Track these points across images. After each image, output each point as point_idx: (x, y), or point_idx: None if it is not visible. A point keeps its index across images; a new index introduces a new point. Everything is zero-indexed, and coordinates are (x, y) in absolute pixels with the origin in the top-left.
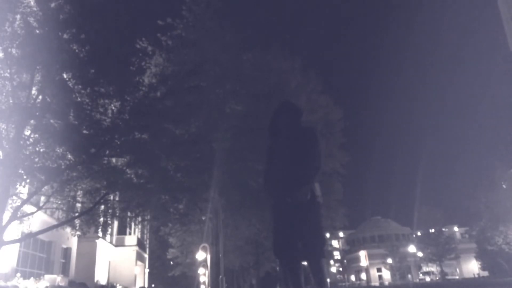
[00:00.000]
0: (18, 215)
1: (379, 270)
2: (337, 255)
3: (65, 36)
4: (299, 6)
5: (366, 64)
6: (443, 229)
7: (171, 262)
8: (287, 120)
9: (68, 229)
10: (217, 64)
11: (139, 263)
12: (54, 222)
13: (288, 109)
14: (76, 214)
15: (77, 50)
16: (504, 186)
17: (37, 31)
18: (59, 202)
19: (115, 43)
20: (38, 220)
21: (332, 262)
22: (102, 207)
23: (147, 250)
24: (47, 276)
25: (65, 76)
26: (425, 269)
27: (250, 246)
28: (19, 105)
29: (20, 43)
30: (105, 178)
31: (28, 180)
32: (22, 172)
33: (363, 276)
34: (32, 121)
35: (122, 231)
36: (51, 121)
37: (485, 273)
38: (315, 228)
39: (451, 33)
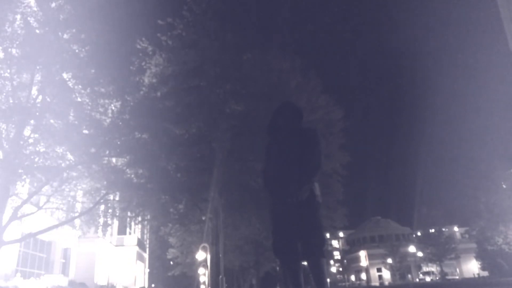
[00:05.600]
0: (18, 215)
1: (379, 270)
2: (337, 255)
3: (65, 36)
4: (299, 6)
5: (366, 64)
6: (443, 229)
7: (171, 262)
8: (288, 121)
9: (68, 229)
10: (217, 64)
11: (139, 263)
12: (54, 222)
13: (289, 110)
14: (76, 214)
15: (77, 50)
16: (504, 186)
17: (37, 31)
18: (59, 202)
19: (115, 43)
20: (38, 220)
21: (332, 262)
22: (102, 207)
23: (147, 250)
24: (47, 276)
25: (65, 76)
26: (425, 269)
27: (250, 246)
28: (19, 105)
29: (20, 43)
30: (105, 178)
31: (28, 180)
32: (22, 172)
33: (363, 276)
34: (32, 121)
35: (122, 231)
36: (51, 121)
37: (485, 273)
38: (314, 227)
39: (451, 32)
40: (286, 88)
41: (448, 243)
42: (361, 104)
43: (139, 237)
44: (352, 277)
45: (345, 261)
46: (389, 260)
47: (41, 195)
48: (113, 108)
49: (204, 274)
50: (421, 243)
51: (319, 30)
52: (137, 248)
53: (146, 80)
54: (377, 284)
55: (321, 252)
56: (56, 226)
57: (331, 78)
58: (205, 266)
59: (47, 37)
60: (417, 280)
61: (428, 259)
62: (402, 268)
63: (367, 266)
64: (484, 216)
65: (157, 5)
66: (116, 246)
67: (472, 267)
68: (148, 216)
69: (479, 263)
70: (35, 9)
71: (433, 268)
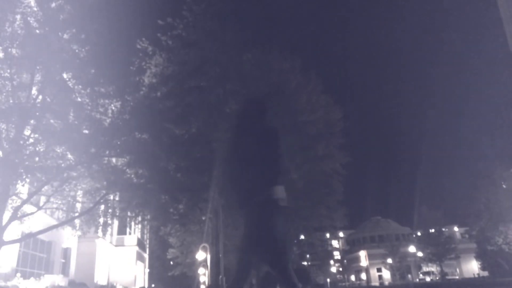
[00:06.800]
0: (18, 215)
1: (379, 270)
2: (337, 255)
3: (65, 36)
4: (300, 6)
5: (366, 64)
6: (443, 229)
7: (171, 262)
8: (248, 121)
9: (68, 229)
10: (217, 64)
11: (139, 263)
12: (54, 222)
13: (249, 109)
14: (76, 214)
15: (77, 50)
16: (504, 186)
17: (37, 31)
18: (59, 202)
19: (115, 43)
20: (38, 220)
21: (332, 262)
22: (102, 207)
23: (147, 250)
24: (47, 276)
25: (65, 76)
26: (425, 269)
27: None
28: (19, 105)
29: (20, 43)
30: (105, 178)
31: (28, 180)
32: (22, 172)
33: (363, 276)
34: (32, 121)
35: (122, 231)
36: (51, 121)
37: (485, 273)
38: (275, 234)
39: (451, 33)
40: (286, 88)
41: (448, 243)
42: (361, 104)
43: (139, 237)
44: (352, 277)
45: (345, 261)
46: (389, 260)
47: (41, 195)
48: (113, 108)
49: (204, 274)
50: (421, 243)
51: (319, 30)
52: (137, 248)
53: (146, 80)
54: (377, 284)
55: (286, 260)
56: (56, 226)
57: (331, 78)
58: (205, 266)
59: (47, 37)
60: (417, 280)
61: (428, 259)
62: (402, 268)
63: (367, 266)
64: (484, 216)
65: (157, 5)
66: (116, 246)
67: (472, 267)
68: (148, 216)
69: (479, 263)
70: (35, 9)
71: (433, 268)
